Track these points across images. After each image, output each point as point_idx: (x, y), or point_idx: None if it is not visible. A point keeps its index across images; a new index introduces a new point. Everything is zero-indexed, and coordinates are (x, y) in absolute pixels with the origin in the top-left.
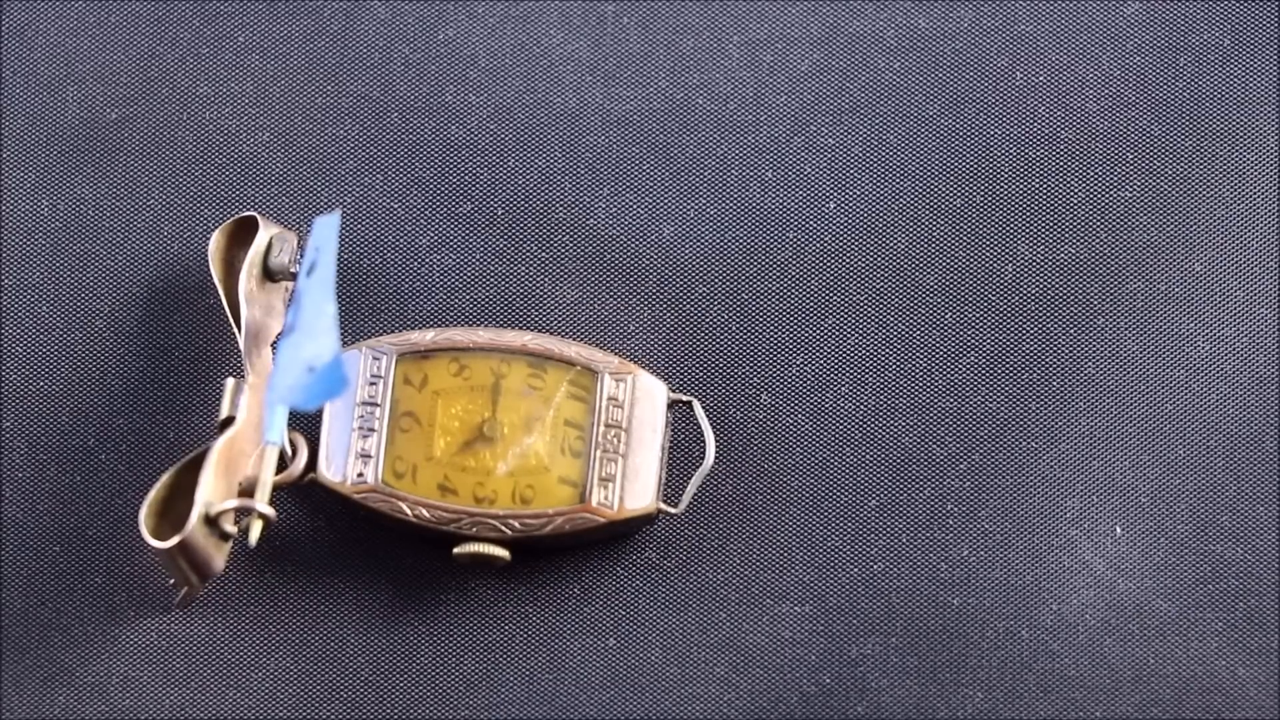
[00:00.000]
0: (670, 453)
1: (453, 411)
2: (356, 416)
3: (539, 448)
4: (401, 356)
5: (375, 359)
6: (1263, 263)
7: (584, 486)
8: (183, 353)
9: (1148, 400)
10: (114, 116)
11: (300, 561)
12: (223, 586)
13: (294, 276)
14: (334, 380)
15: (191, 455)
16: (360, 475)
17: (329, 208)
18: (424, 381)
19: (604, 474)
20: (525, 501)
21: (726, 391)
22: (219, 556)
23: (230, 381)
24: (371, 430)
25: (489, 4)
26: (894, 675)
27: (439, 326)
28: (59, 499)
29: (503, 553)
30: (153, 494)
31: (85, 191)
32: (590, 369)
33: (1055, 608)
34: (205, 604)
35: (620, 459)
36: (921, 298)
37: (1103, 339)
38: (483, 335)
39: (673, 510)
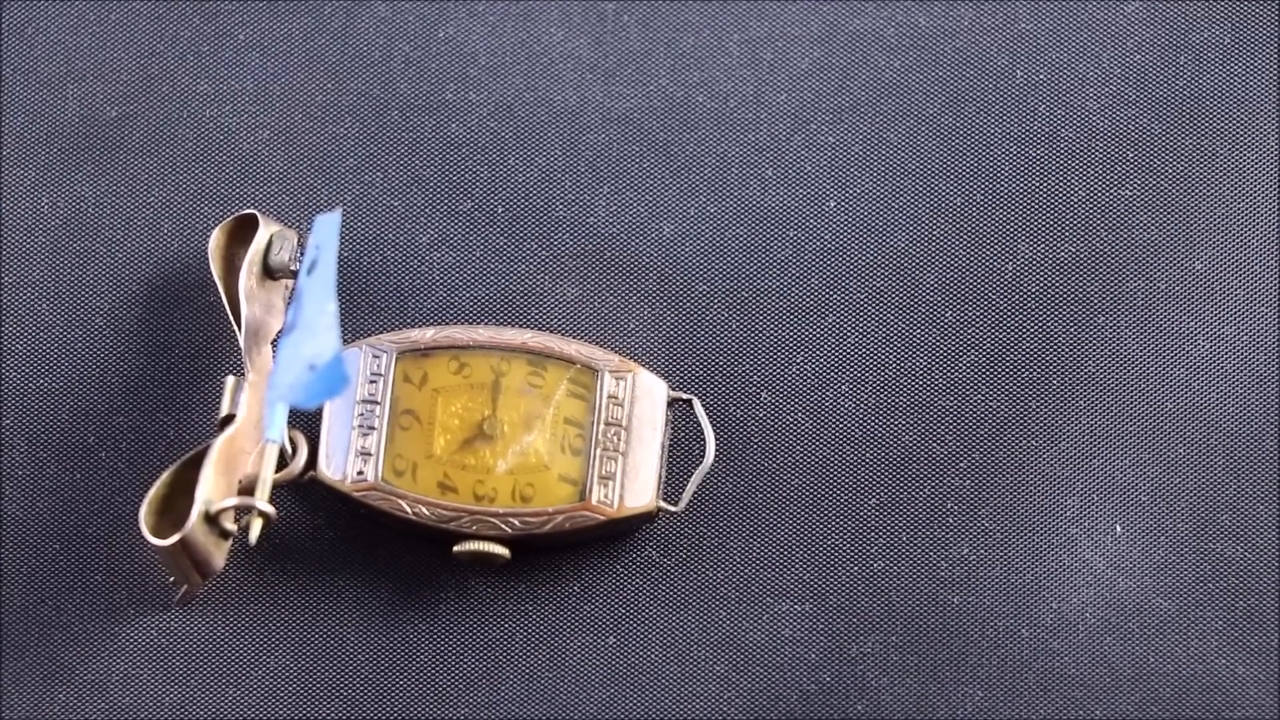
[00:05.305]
0: (670, 451)
1: (453, 409)
2: (356, 414)
3: (539, 446)
4: (401, 354)
5: (375, 357)
6: (1263, 261)
7: (584, 484)
8: (183, 350)
9: (1148, 398)
10: (114, 114)
11: (300, 559)
12: (223, 584)
13: (294, 274)
14: (334, 378)
15: (192, 453)
16: (360, 473)
17: (329, 205)
18: (424, 379)
19: (604, 472)
20: (525, 499)
21: (727, 389)
22: (219, 554)
23: (230, 379)
24: (371, 428)
25: (489, 2)
26: (894, 674)
27: (439, 324)
28: (59, 496)
29: (503, 551)
30: (153, 492)
31: (85, 189)
32: (590, 367)
33: (1055, 606)
34: (205, 602)
35: (620, 457)
36: (922, 296)
37: (1103, 337)
38: (483, 333)
39: (673, 508)
